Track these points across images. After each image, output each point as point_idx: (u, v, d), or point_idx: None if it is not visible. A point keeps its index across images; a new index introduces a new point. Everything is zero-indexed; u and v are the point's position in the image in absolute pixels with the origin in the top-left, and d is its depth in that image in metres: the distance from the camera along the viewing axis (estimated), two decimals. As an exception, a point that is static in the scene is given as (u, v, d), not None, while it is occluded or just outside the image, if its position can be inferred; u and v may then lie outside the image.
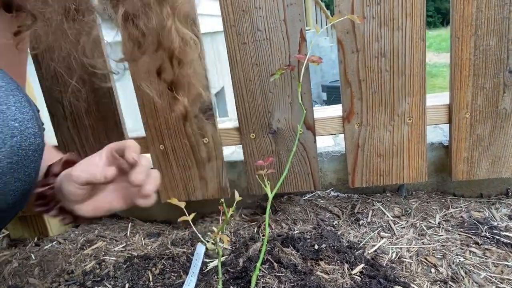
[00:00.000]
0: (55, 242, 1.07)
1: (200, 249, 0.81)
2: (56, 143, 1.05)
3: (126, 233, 1.11)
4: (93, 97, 0.97)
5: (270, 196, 0.79)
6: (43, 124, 0.61)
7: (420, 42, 0.88)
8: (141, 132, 1.05)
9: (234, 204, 0.72)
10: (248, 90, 0.96)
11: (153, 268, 0.91)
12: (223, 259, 0.91)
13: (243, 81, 0.95)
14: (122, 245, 1.04)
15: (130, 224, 1.16)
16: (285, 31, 0.90)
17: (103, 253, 1.00)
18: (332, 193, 1.17)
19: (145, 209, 1.18)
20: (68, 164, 0.68)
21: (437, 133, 1.15)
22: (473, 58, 0.88)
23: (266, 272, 0.83)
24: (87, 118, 1.00)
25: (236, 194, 0.74)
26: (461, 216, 1.00)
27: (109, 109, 0.99)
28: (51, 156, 0.73)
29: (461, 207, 1.04)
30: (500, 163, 0.96)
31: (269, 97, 0.96)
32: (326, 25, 9.38)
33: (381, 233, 0.97)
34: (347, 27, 0.89)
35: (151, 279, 0.87)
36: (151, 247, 1.02)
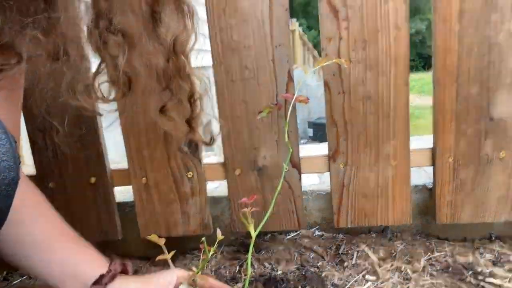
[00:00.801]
0: (25, 277, 1.01)
1: (179, 290, 0.78)
2: (34, 172, 1.02)
3: (101, 270, 1.06)
4: (76, 126, 0.95)
5: (253, 235, 0.77)
6: (19, 156, 0.59)
7: (404, 86, 0.91)
8: (124, 164, 1.03)
9: (216, 243, 0.70)
10: (234, 126, 0.96)
11: (127, 309, 0.85)
12: (202, 300, 0.87)
13: (229, 117, 0.96)
14: (96, 283, 0.98)
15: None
16: (273, 71, 0.92)
17: (75, 291, 0.94)
18: (317, 232, 1.15)
19: (122, 244, 1.14)
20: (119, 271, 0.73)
21: (421, 175, 1.16)
22: (455, 105, 0.90)
23: (247, 316, 0.80)
24: (68, 148, 0.98)
25: (219, 232, 0.72)
26: (446, 261, 0.99)
27: (92, 139, 0.97)
28: (94, 262, 0.72)
29: (445, 250, 1.03)
30: (483, 207, 0.97)
31: (256, 134, 0.96)
32: (313, 64, 9.68)
33: (366, 276, 0.95)
34: (334, 69, 0.91)
35: (124, 321, 0.82)
36: (126, 286, 0.97)
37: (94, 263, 0.71)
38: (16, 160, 0.54)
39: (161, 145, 0.97)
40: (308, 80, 7.93)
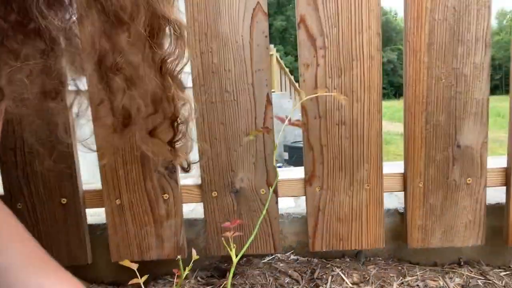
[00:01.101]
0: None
1: (151, 316, 0.75)
2: (2, 192, 0.97)
3: (68, 295, 1.01)
4: (48, 145, 0.93)
5: (235, 260, 0.75)
6: None
7: (377, 113, 0.94)
8: (97, 185, 1.01)
9: (191, 263, 0.69)
10: (212, 147, 0.96)
11: (95, 337, 0.82)
12: (174, 327, 0.84)
13: (208, 138, 0.96)
14: (62, 309, 0.93)
15: (73, 284, 1.06)
16: (252, 94, 0.94)
17: (39, 318, 0.89)
18: (292, 257, 1.14)
19: (92, 269, 1.10)
20: None
21: (392, 200, 1.19)
22: (424, 132, 0.94)
23: None
24: (40, 168, 0.95)
25: (194, 252, 0.71)
26: (417, 285, 1.00)
27: (65, 159, 0.95)
28: None
29: (417, 275, 1.05)
30: (452, 232, 1.00)
31: (234, 156, 0.97)
32: (290, 88, 9.87)
33: (340, 301, 0.95)
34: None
35: None
36: (95, 312, 0.93)
37: None
38: None
39: (137, 165, 0.96)
40: (285, 104, 8.07)
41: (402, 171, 1.01)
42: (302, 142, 0.98)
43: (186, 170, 0.88)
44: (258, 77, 0.93)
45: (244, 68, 0.93)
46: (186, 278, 1.02)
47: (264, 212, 0.82)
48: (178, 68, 0.59)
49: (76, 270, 1.11)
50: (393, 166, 1.09)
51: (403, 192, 1.02)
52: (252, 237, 0.79)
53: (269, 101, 0.95)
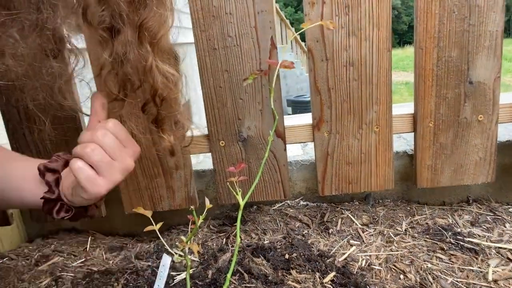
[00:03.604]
0: (6, 258, 0.98)
1: (166, 260, 0.77)
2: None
3: (86, 247, 1.04)
4: (49, 109, 0.91)
5: (242, 203, 0.76)
6: None
7: (386, 52, 0.91)
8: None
9: (205, 212, 0.69)
10: (218, 96, 0.94)
11: (115, 283, 0.85)
12: (190, 271, 0.87)
13: (213, 87, 0.94)
14: (81, 260, 0.97)
15: (89, 238, 1.10)
16: (255, 38, 0.90)
17: (60, 269, 0.93)
18: (302, 202, 1.16)
19: (107, 221, 1.12)
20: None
21: (401, 143, 1.19)
22: (436, 69, 0.91)
23: (237, 284, 0.80)
24: (45, 124, 0.94)
25: (207, 201, 0.71)
26: (426, 223, 1.02)
27: (70, 115, 0.93)
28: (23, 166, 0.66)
29: (425, 214, 1.07)
30: (461, 170, 1.00)
31: (239, 104, 0.95)
32: (291, 41, 9.60)
33: (351, 241, 0.97)
34: (317, 35, 0.90)
35: (113, 295, 0.82)
36: (113, 262, 0.96)
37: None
38: None
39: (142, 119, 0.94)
40: (286, 57, 7.90)
41: (412, 111, 0.99)
42: (304, 96, 0.96)
43: (172, 154, 0.83)
44: (261, 20, 0.89)
45: (246, 10, 0.88)
46: (199, 227, 1.05)
47: (267, 154, 0.81)
48: (159, 35, 0.53)
49: (92, 223, 1.14)
50: (402, 108, 1.07)
51: (411, 134, 1.01)
52: (256, 181, 0.79)
53: (273, 45, 0.91)
